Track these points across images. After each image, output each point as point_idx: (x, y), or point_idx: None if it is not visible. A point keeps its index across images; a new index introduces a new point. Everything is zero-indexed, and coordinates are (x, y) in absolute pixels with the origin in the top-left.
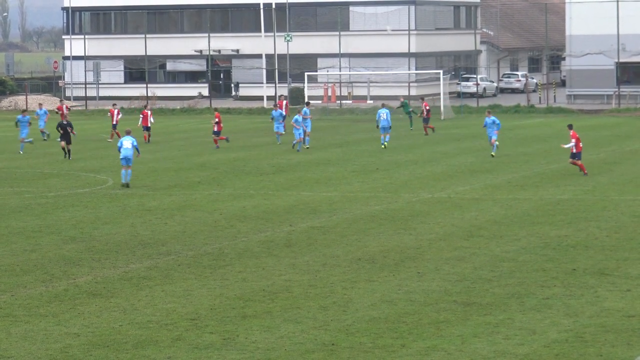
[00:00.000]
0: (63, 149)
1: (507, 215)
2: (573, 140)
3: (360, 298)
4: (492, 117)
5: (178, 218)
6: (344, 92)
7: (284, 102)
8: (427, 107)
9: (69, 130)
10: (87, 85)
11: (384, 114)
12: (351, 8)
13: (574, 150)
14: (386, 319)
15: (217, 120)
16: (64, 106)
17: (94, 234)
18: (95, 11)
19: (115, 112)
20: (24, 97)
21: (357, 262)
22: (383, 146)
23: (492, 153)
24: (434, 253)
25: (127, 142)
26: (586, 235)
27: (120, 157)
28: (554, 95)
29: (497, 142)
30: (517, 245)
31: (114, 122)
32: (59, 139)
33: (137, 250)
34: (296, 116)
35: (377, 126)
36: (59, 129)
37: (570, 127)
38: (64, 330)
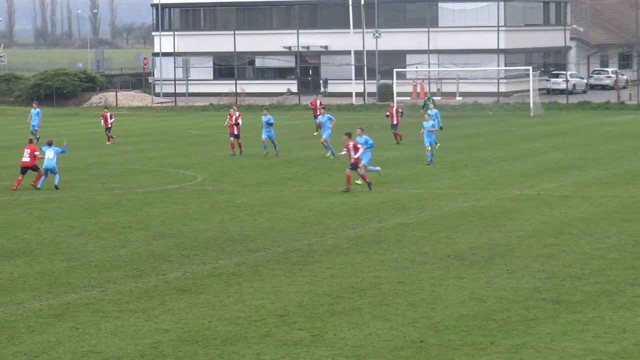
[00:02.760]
0: None
1: (596, 213)
2: None
3: (449, 295)
4: (432, 121)
5: (267, 214)
6: (433, 89)
7: (394, 108)
8: (399, 111)
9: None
10: (177, 82)
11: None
12: (440, 4)
13: None
14: (475, 316)
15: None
16: (108, 114)
17: (183, 230)
18: (184, 7)
19: (108, 115)
20: (114, 93)
21: (446, 259)
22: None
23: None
24: (523, 250)
25: (49, 153)
26: None
27: (43, 166)
28: None
29: (432, 149)
30: (607, 243)
31: (108, 126)
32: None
33: (226, 247)
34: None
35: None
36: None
37: None
38: (154, 326)
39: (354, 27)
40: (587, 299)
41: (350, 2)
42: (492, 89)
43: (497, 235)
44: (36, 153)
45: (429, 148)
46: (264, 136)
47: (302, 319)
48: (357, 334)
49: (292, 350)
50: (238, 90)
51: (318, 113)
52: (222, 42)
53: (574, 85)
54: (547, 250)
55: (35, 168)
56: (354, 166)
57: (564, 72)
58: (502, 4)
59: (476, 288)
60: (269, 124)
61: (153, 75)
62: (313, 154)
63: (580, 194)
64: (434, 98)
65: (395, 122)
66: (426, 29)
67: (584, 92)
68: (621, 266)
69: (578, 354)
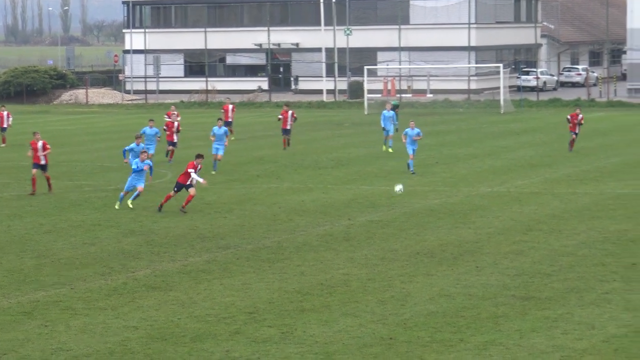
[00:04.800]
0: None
1: (566, 210)
2: None
3: (418, 292)
4: (417, 129)
5: (237, 212)
6: (404, 86)
7: (289, 112)
8: (294, 117)
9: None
10: (147, 79)
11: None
12: (411, 2)
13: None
14: (444, 313)
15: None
16: (5, 113)
17: (153, 228)
18: (155, 5)
19: (5, 114)
20: (84, 90)
21: (416, 256)
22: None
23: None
24: (492, 247)
25: None
26: None
27: None
28: (615, 89)
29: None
30: (577, 240)
31: (4, 126)
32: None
33: (196, 244)
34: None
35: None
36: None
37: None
38: (123, 323)
39: (325, 25)
40: (556, 295)
41: (321, 0)
42: (463, 86)
43: (466, 232)
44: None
45: (412, 157)
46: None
47: (271, 316)
48: (327, 331)
49: (262, 347)
50: (209, 88)
51: (288, 126)
52: (193, 39)
53: (545, 82)
54: (516, 247)
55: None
56: None
57: (535, 70)
58: (473, 1)
59: (445, 285)
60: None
61: (124, 73)
62: (283, 151)
63: (550, 191)
64: (405, 95)
65: (287, 127)
66: (397, 27)
67: (555, 89)
68: (590, 263)
69: (547, 350)
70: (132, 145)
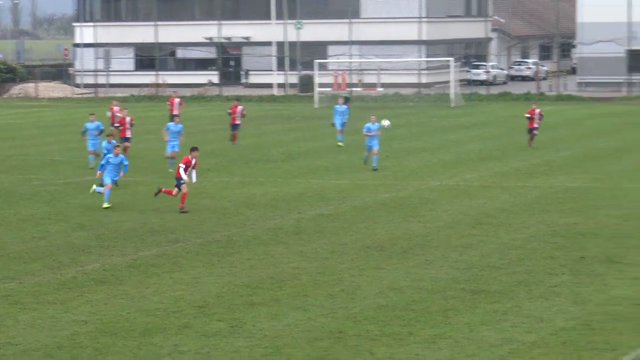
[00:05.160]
0: None
1: (515, 203)
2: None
3: (368, 286)
4: (377, 124)
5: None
6: (354, 80)
7: (239, 107)
8: (244, 113)
9: None
10: (97, 73)
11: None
12: None
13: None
14: (394, 306)
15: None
16: None
17: (103, 222)
18: None
19: None
20: (34, 84)
21: (366, 250)
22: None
23: (375, 165)
24: (442, 241)
25: None
26: (595, 223)
27: None
28: (565, 83)
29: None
30: (526, 233)
31: None
32: None
33: (146, 238)
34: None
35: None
36: None
37: None
38: (72, 317)
39: (276, 18)
40: (506, 288)
41: None
42: (413, 80)
43: (416, 225)
44: None
45: (375, 152)
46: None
47: (221, 310)
48: (276, 324)
49: (211, 341)
50: (159, 82)
51: (237, 121)
52: (143, 33)
53: (495, 76)
54: (465, 241)
55: None
56: None
57: (485, 64)
58: None
59: (395, 278)
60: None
61: (74, 67)
62: (233, 145)
63: (500, 184)
64: (355, 89)
65: (237, 122)
66: (348, 20)
67: (505, 83)
68: (539, 256)
69: (496, 343)
70: (104, 143)
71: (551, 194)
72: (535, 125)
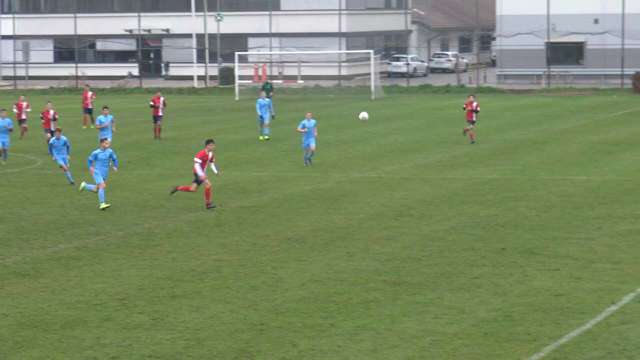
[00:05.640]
0: None
1: (436, 195)
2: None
3: (289, 278)
4: (313, 120)
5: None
6: (275, 72)
7: (161, 99)
8: (165, 103)
9: None
10: (16, 65)
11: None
12: None
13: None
14: (316, 298)
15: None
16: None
17: (23, 214)
18: None
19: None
20: None
21: (287, 242)
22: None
23: (310, 158)
24: (363, 233)
25: None
26: (515, 215)
27: None
28: (485, 75)
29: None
30: (447, 225)
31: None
32: None
33: (66, 231)
34: None
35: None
36: None
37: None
38: None
39: (196, 10)
40: (427, 280)
41: None
42: (334, 72)
43: (337, 217)
44: None
45: (312, 148)
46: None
47: (142, 303)
48: (198, 317)
49: (133, 334)
50: (79, 74)
51: (160, 113)
52: (62, 25)
53: (415, 68)
54: (387, 233)
55: None
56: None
57: (405, 56)
58: None
59: (317, 270)
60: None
61: None
62: (154, 139)
63: (421, 176)
64: (276, 81)
65: (160, 114)
66: (268, 12)
67: (425, 75)
68: (460, 248)
69: (417, 335)
70: (53, 140)
71: (471, 185)
72: (473, 119)
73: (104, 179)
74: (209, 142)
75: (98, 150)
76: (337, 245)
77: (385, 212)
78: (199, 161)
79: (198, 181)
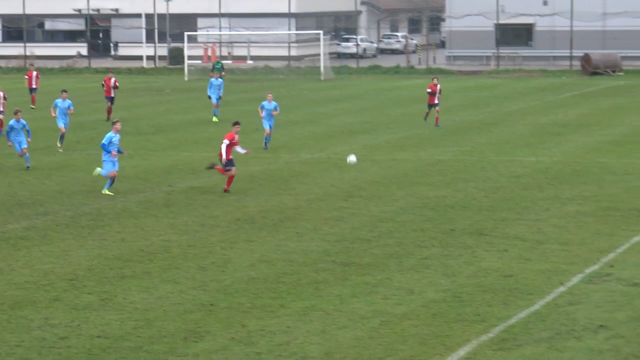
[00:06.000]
0: None
1: (385, 176)
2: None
3: (239, 258)
4: (274, 102)
5: (56, 178)
6: (224, 53)
7: (112, 79)
8: (117, 85)
9: None
10: None
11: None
12: None
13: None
14: (265, 279)
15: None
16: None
17: None
18: None
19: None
20: None
21: (236, 223)
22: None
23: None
24: (313, 213)
25: None
26: (464, 196)
27: None
28: (434, 57)
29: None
30: (396, 206)
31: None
32: None
33: (15, 211)
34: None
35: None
36: None
37: None
38: None
39: None
40: (376, 261)
41: None
42: (283, 53)
43: (287, 198)
44: None
45: (268, 132)
46: None
47: (91, 283)
48: (147, 297)
49: (82, 314)
50: (27, 54)
51: (112, 94)
52: (10, 4)
53: (364, 49)
54: (336, 214)
55: None
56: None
57: (355, 37)
58: None
59: (266, 251)
60: None
61: None
62: (103, 117)
63: (370, 157)
64: (225, 62)
65: (112, 95)
66: None
67: (374, 56)
68: (409, 229)
69: (367, 315)
70: (12, 122)
71: (421, 166)
72: (437, 102)
73: (26, 146)
74: (235, 123)
75: (111, 134)
76: (286, 226)
77: (335, 193)
78: (227, 142)
79: (226, 168)
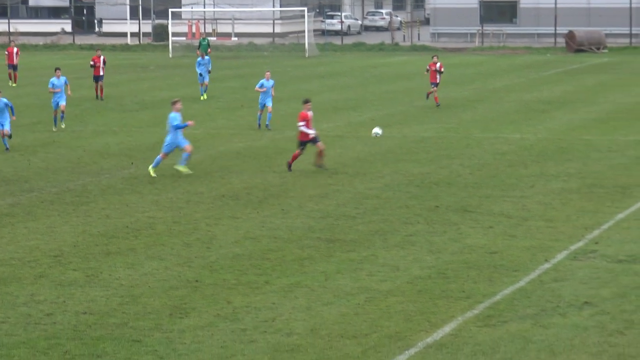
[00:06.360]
0: None
1: (370, 153)
2: None
3: (224, 235)
4: (272, 80)
5: (41, 155)
6: (209, 29)
7: (102, 58)
8: (105, 62)
9: None
10: None
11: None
12: None
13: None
14: (250, 255)
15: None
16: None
17: None
18: None
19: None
20: None
21: (221, 199)
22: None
23: (268, 123)
24: (298, 190)
25: None
26: (449, 173)
27: None
28: (418, 34)
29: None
30: (381, 183)
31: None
32: None
33: None
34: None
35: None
36: None
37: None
38: None
39: None
40: (361, 238)
41: None
42: (268, 29)
43: (272, 175)
44: None
45: (269, 109)
46: None
47: (76, 260)
48: (132, 274)
49: (67, 291)
50: (11, 30)
51: (101, 73)
52: None
53: (349, 26)
54: (321, 190)
55: None
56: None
57: (339, 14)
58: None
59: (251, 227)
60: None
61: None
62: (87, 94)
63: (355, 134)
64: (210, 39)
65: (101, 74)
66: None
67: (359, 33)
68: (395, 205)
69: (352, 292)
70: None
71: (405, 143)
72: (437, 80)
73: (8, 128)
74: (306, 101)
75: (176, 115)
76: (271, 203)
77: (318, 170)
78: (303, 123)
79: (312, 141)
